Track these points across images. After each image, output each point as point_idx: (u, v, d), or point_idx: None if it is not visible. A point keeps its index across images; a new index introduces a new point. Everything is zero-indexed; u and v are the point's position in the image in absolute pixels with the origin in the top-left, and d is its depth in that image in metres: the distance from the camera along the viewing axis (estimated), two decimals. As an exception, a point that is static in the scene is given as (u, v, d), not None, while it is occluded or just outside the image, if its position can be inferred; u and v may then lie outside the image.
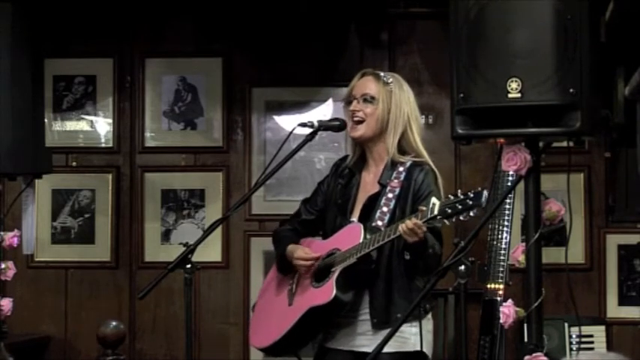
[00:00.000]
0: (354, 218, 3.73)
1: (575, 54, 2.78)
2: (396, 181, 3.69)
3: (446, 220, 3.38)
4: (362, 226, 3.63)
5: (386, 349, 3.43)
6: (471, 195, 3.33)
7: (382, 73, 3.81)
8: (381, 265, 3.64)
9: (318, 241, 3.84)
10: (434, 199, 3.42)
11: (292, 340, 3.73)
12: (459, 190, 3.38)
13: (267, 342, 3.78)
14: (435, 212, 3.37)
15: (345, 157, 3.92)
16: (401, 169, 3.70)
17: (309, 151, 5.48)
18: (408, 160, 3.72)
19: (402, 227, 3.42)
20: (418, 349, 3.62)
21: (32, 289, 5.76)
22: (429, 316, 3.75)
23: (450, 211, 3.35)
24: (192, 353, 3.54)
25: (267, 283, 3.97)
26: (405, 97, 3.78)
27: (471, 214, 3.32)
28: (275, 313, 3.81)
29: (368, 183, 3.78)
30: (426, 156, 3.75)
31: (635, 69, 3.71)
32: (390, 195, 3.67)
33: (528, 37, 2.81)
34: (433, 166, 3.74)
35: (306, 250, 3.75)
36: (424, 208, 3.41)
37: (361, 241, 3.58)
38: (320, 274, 3.70)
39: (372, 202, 3.70)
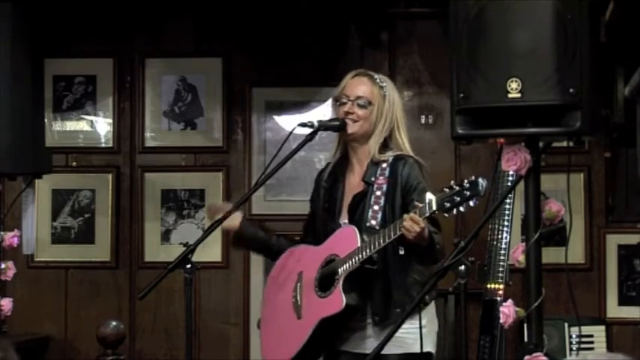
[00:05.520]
0: (345, 220, 3.71)
1: (575, 54, 2.78)
2: (381, 178, 3.66)
3: (445, 214, 3.37)
4: (355, 229, 3.60)
5: (393, 351, 3.47)
6: (467, 185, 3.30)
7: (376, 76, 3.77)
8: (379, 263, 3.61)
9: (312, 248, 3.78)
10: (429, 194, 3.38)
11: (309, 353, 3.69)
12: (452, 182, 3.36)
13: (282, 359, 3.73)
14: (434, 207, 3.34)
15: (324, 168, 3.88)
16: (384, 165, 3.67)
17: (309, 151, 5.47)
18: (389, 157, 3.69)
19: (404, 225, 3.38)
20: (426, 349, 3.60)
21: (32, 289, 5.76)
22: (435, 315, 3.74)
23: (448, 204, 3.32)
24: (192, 353, 3.53)
25: (267, 296, 3.92)
26: (397, 100, 3.76)
27: (471, 204, 3.31)
28: (285, 328, 3.76)
29: (353, 184, 3.75)
30: (410, 152, 3.72)
31: (635, 69, 3.71)
32: (379, 193, 3.65)
33: (528, 37, 2.81)
34: (417, 157, 3.70)
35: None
36: (420, 205, 3.38)
37: (359, 244, 3.55)
38: (323, 282, 3.66)
39: (359, 200, 3.68)
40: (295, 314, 3.73)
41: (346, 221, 3.70)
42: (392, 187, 3.65)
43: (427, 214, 3.37)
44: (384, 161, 3.68)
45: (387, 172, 3.67)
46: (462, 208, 3.32)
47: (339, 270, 3.59)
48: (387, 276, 3.62)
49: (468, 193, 3.29)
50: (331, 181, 3.80)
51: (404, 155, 3.70)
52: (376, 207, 3.64)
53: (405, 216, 3.40)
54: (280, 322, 3.80)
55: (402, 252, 3.57)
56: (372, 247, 3.51)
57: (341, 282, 3.57)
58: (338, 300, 3.56)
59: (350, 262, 3.55)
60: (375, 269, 3.59)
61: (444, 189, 3.36)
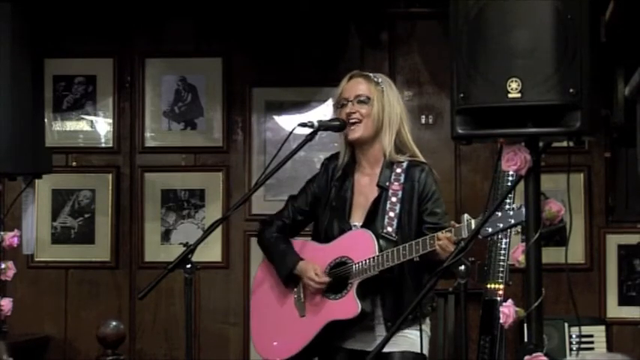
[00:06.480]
0: (357, 223, 3.70)
1: (575, 54, 2.78)
2: (396, 183, 3.66)
3: (480, 236, 3.34)
4: (372, 235, 3.60)
5: (395, 349, 3.51)
6: (511, 213, 3.27)
7: (371, 74, 3.79)
8: (394, 269, 3.62)
9: (317, 245, 3.78)
10: (467, 216, 3.39)
11: (309, 352, 3.70)
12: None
13: (282, 356, 3.74)
14: (474, 230, 3.34)
15: (333, 155, 3.88)
16: (398, 170, 3.68)
17: (309, 151, 5.47)
18: (404, 161, 3.70)
19: (440, 244, 3.41)
20: (424, 351, 3.63)
21: (32, 289, 5.76)
22: (429, 324, 3.75)
23: (490, 229, 3.30)
24: (192, 353, 3.54)
25: (261, 287, 3.89)
26: (396, 96, 3.77)
27: (513, 231, 3.30)
28: (285, 325, 3.76)
29: (364, 185, 3.75)
30: (419, 155, 3.75)
31: (635, 69, 3.71)
32: (394, 199, 3.65)
33: (528, 37, 2.81)
34: (430, 166, 3.74)
35: (317, 271, 3.67)
36: (457, 225, 3.39)
37: (376, 250, 3.56)
38: (331, 283, 3.66)
39: (376, 206, 3.68)
40: (297, 311, 3.73)
41: (357, 224, 3.70)
42: (408, 193, 3.66)
43: (464, 237, 3.37)
44: (399, 164, 3.68)
45: (402, 178, 3.67)
46: (500, 234, 3.31)
47: (353, 275, 3.59)
48: (401, 282, 3.63)
49: (512, 220, 3.25)
50: (341, 181, 3.79)
51: (420, 162, 3.72)
52: (392, 214, 3.64)
53: (440, 235, 3.43)
54: (278, 316, 3.79)
55: (417, 259, 3.57)
56: (397, 258, 3.51)
57: (355, 287, 3.57)
58: (352, 305, 3.57)
59: (368, 270, 3.56)
60: (391, 277, 3.61)
61: (485, 212, 3.34)
